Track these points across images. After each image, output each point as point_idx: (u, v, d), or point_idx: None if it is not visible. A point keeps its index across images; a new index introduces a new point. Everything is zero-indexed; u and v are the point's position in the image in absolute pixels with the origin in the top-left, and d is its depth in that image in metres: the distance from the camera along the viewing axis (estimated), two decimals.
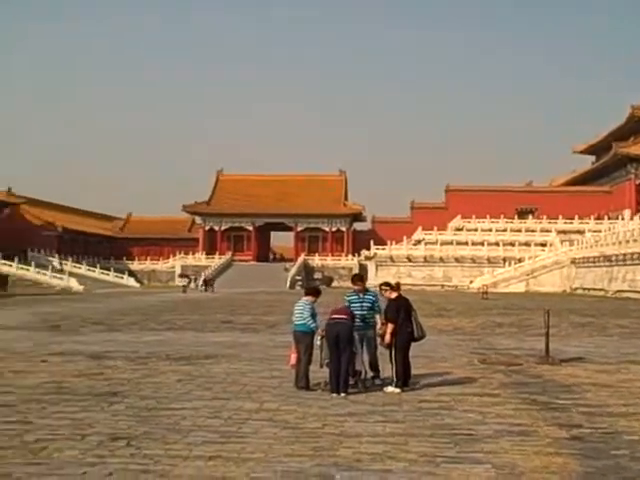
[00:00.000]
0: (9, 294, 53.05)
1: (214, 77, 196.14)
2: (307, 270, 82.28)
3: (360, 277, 12.06)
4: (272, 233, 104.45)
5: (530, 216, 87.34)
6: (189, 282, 67.38)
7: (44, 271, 65.77)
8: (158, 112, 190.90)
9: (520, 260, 72.11)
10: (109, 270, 78.03)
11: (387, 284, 11.58)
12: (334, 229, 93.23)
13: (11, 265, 65.11)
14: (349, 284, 13.34)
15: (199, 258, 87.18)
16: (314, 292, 11.46)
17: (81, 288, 61.75)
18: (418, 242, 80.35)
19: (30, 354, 15.32)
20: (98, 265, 79.52)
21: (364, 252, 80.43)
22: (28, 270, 65.40)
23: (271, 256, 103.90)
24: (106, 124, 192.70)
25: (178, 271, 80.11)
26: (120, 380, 11.78)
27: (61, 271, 69.32)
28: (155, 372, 12.74)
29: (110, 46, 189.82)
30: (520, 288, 66.57)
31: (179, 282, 61.98)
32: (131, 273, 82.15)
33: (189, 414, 9.03)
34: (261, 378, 12.06)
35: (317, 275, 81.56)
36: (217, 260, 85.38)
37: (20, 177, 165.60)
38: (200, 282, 66.43)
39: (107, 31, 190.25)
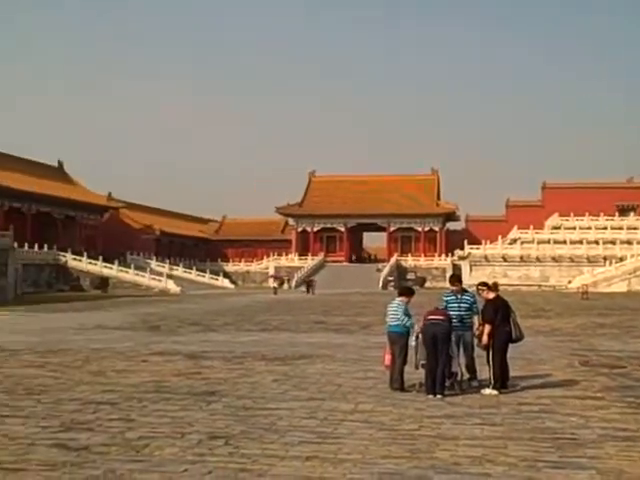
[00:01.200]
0: (110, 296, 54.89)
1: (307, 77, 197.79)
2: (400, 271, 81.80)
3: (458, 277, 11.94)
4: (364, 234, 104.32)
5: (632, 213, 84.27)
6: (281, 283, 67.97)
7: (143, 273, 67.70)
8: (252, 114, 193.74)
9: (622, 259, 69.70)
10: (205, 272, 79.58)
11: (484, 284, 11.36)
12: (427, 229, 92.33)
13: (112, 268, 67.29)
14: (442, 285, 13.18)
15: (292, 259, 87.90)
16: (408, 292, 11.36)
17: (178, 289, 63.22)
18: (514, 241, 78.77)
19: (131, 354, 15.77)
20: (194, 267, 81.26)
21: (458, 252, 79.42)
22: (127, 272, 67.43)
23: (365, 256, 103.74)
24: (200, 129, 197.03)
25: (272, 272, 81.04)
26: (217, 380, 11.97)
27: (159, 273, 71.17)
28: (251, 372, 12.89)
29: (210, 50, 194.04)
30: (622, 288, 64.33)
31: (270, 284, 61.43)
32: (226, 274, 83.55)
33: (285, 414, 9.08)
34: (355, 379, 12.03)
35: (410, 275, 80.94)
36: (310, 261, 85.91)
37: (119, 182, 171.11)
38: (294, 283, 66.33)
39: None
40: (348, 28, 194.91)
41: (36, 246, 64.78)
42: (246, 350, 16.42)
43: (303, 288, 63.90)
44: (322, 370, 13.12)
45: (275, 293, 56.32)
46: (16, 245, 56.00)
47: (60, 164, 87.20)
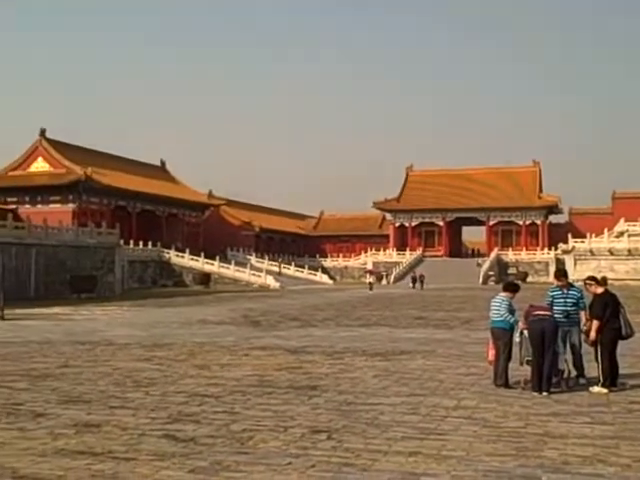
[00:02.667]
0: (212, 291, 56.13)
1: (410, 75, 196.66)
2: (500, 265, 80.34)
3: (564, 272, 11.62)
4: (463, 228, 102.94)
5: None
6: (379, 278, 67.48)
7: (243, 269, 68.88)
8: (348, 110, 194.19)
9: None
10: (303, 267, 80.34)
11: (593, 278, 10.99)
12: (528, 222, 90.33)
13: (213, 264, 68.77)
14: (545, 279, 12.86)
15: (390, 254, 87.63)
16: (512, 288, 11.11)
17: (277, 285, 64.00)
18: (620, 234, 75.97)
19: (234, 348, 16.06)
20: (293, 263, 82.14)
21: (561, 245, 77.24)
22: (228, 268, 68.75)
23: (464, 251, 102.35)
24: (295, 126, 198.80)
25: (370, 267, 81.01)
26: (318, 374, 12.04)
27: (258, 269, 72.27)
28: (351, 367, 12.90)
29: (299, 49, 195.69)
30: None
31: (366, 279, 60.09)
32: (324, 270, 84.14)
33: (387, 409, 9.03)
34: (458, 375, 11.87)
35: (511, 270, 79.37)
36: (408, 256, 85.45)
37: (219, 180, 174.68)
38: (392, 278, 65.36)
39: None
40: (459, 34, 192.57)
41: (141, 243, 66.94)
42: (346, 345, 16.46)
43: (410, 283, 61.64)
44: (423, 366, 13.00)
45: (371, 289, 55.06)
46: (122, 242, 57.98)
47: (162, 163, 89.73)
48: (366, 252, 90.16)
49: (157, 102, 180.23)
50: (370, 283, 58.72)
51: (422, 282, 59.23)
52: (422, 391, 10.36)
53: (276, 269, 74.90)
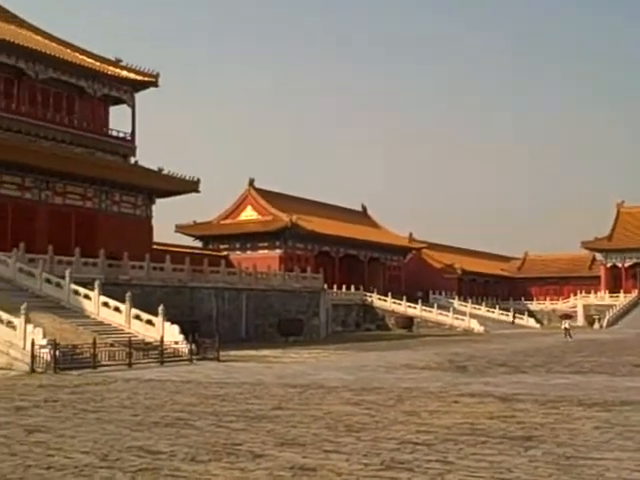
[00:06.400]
0: (415, 335, 55.91)
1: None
2: None
3: None
4: None
5: None
6: (591, 322, 63.71)
7: (446, 312, 68.10)
8: (550, 146, 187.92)
9: None
10: (508, 311, 78.16)
11: None
12: None
13: (415, 307, 68.60)
14: None
15: (602, 297, 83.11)
16: None
17: (482, 329, 62.61)
18: None
19: (441, 394, 15.79)
20: (497, 306, 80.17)
21: None
22: (431, 312, 68.26)
23: None
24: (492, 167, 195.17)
25: (580, 311, 77.22)
26: (533, 424, 11.52)
27: (461, 312, 71.15)
28: (568, 418, 12.24)
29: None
30: None
31: (562, 325, 50.56)
32: (530, 313, 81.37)
33: (612, 465, 8.43)
34: None
35: None
36: (622, 299, 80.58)
37: (419, 223, 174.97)
38: (605, 322, 59.14)
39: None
40: None
41: (344, 287, 68.27)
42: (560, 394, 15.66)
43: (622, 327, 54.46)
44: None
45: (567, 336, 46.12)
46: (326, 287, 59.42)
47: (364, 208, 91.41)
48: (575, 295, 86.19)
49: (359, 151, 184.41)
50: (566, 329, 47.79)
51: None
52: None
53: (479, 312, 73.34)
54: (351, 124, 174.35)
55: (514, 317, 73.48)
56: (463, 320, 65.92)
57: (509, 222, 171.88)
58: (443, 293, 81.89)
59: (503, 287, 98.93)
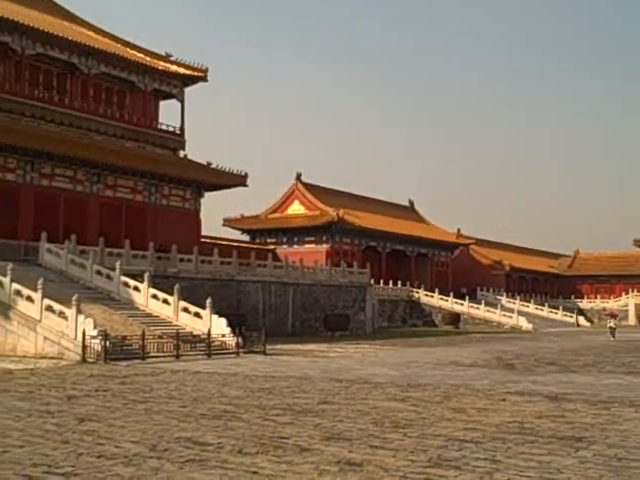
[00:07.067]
0: (462, 331, 55.51)
1: None
2: None
3: None
4: None
5: None
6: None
7: (493, 309, 67.43)
8: (603, 144, 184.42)
9: None
10: (557, 308, 77.08)
11: None
12: None
13: (462, 304, 68.06)
14: None
15: None
16: None
17: (530, 327, 61.83)
18: None
19: (489, 392, 15.63)
20: (546, 304, 79.12)
21: None
22: (478, 309, 67.67)
23: None
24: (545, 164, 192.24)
25: (631, 310, 75.76)
26: (583, 424, 11.32)
27: (509, 309, 70.38)
28: (620, 419, 12.00)
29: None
30: None
31: (608, 324, 47.07)
32: (580, 312, 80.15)
33: None
34: None
35: None
36: None
37: (467, 218, 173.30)
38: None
39: None
40: None
41: (390, 283, 68.04)
42: (611, 394, 15.37)
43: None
44: None
45: (612, 335, 43.35)
46: (372, 282, 59.30)
47: (411, 203, 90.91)
48: (627, 293, 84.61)
49: (409, 148, 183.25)
50: (611, 328, 44.69)
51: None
52: None
53: (528, 309, 72.46)
54: (403, 124, 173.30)
55: (577, 321, 71.96)
56: (511, 317, 65.22)
57: (558, 220, 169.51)
58: (491, 290, 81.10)
59: (552, 284, 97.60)
